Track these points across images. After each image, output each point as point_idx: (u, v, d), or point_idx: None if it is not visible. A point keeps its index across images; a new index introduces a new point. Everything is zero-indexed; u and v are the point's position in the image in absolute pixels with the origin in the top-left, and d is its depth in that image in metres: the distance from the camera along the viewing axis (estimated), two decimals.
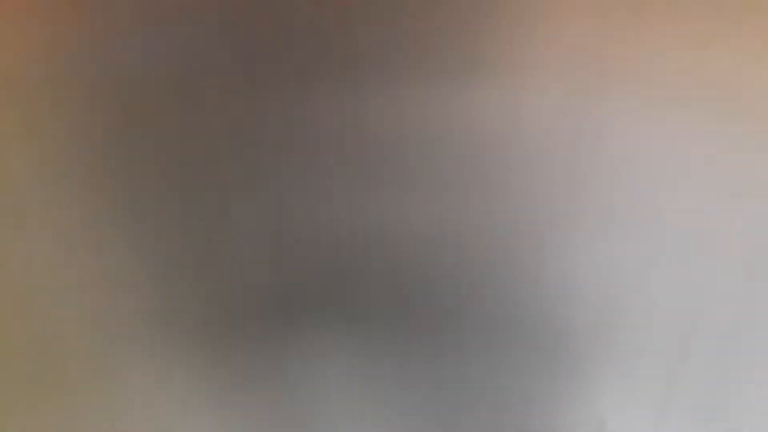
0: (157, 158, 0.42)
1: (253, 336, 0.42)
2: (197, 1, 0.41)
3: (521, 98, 0.40)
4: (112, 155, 0.42)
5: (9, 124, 0.42)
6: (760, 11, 0.39)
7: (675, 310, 0.41)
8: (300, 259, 0.42)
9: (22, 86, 0.42)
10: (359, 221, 0.41)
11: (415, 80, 0.40)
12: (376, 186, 0.41)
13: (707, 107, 0.40)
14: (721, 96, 0.40)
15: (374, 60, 0.40)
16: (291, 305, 0.42)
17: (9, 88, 0.42)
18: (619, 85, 0.40)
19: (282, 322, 0.42)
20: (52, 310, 0.43)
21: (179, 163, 0.42)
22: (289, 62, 0.41)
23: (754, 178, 0.40)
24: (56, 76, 0.41)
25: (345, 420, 0.43)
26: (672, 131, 0.40)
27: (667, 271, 0.41)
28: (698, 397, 0.42)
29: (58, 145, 0.42)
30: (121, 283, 0.43)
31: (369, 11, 0.40)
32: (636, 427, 0.42)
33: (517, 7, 0.40)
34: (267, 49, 0.41)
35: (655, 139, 0.40)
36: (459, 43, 0.40)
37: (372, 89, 0.40)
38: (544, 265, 0.41)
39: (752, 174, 0.40)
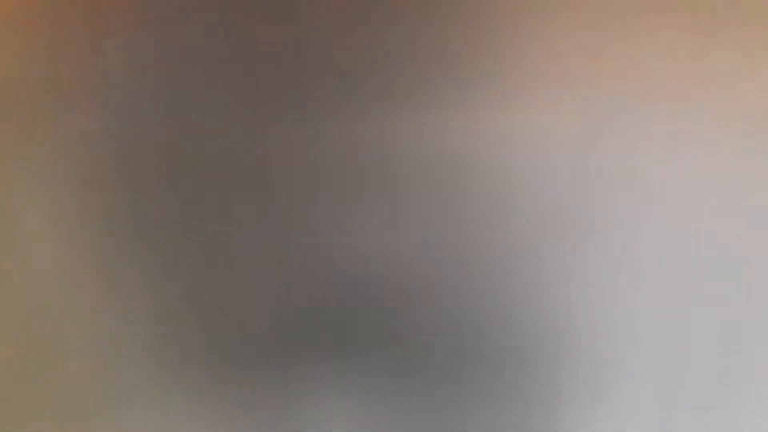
0: (158, 161, 0.42)
1: (253, 361, 0.42)
2: (197, 1, 0.41)
3: (517, 120, 0.40)
4: (112, 155, 0.42)
5: (9, 125, 0.42)
6: (760, 11, 0.39)
7: (675, 310, 0.42)
8: (301, 285, 0.42)
9: (22, 86, 0.42)
10: (359, 244, 0.41)
11: (412, 106, 0.41)
12: (374, 208, 0.41)
13: (707, 107, 0.40)
14: (720, 96, 0.40)
15: (372, 86, 0.41)
16: (291, 331, 0.42)
17: (9, 88, 0.42)
18: (618, 102, 0.40)
19: (281, 348, 0.42)
20: (52, 310, 0.43)
21: (180, 175, 0.42)
22: (283, 89, 0.41)
23: (754, 178, 0.40)
24: (56, 76, 0.41)
25: None
26: (672, 132, 0.40)
27: (667, 272, 0.41)
28: (698, 397, 0.42)
29: (58, 145, 0.42)
30: (121, 288, 0.43)
31: (368, 36, 0.40)
32: (636, 427, 0.42)
33: (510, 29, 0.40)
34: (269, 82, 0.41)
35: (654, 143, 0.40)
36: (454, 67, 0.40)
37: (370, 116, 0.41)
38: (545, 270, 0.41)
39: (752, 174, 0.40)
